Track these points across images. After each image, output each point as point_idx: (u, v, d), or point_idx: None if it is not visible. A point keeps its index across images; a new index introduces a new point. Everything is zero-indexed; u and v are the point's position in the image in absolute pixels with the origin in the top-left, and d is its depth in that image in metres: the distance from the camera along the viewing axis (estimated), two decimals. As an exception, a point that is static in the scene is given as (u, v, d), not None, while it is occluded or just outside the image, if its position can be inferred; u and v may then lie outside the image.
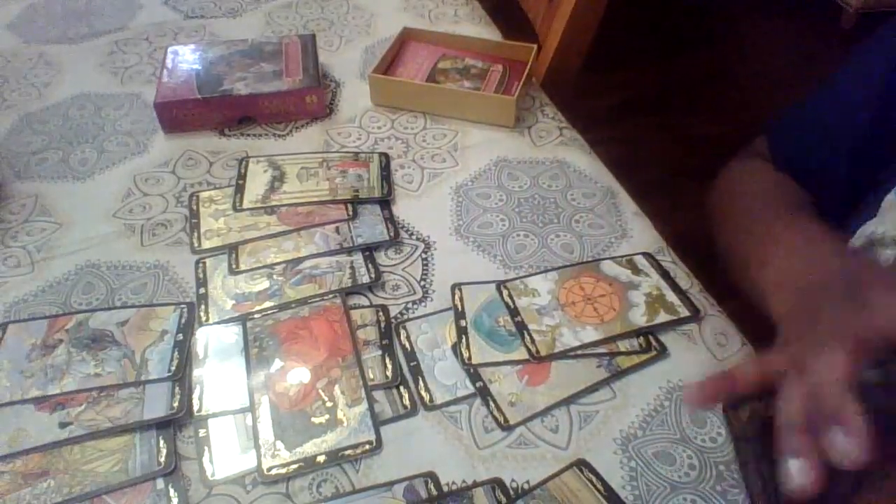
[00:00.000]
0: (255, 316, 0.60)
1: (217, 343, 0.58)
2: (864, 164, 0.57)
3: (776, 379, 0.41)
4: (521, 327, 0.59)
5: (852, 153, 0.59)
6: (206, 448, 0.51)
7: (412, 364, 0.57)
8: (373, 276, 0.63)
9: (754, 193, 0.66)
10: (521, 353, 0.57)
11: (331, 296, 0.61)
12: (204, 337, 0.59)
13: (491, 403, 0.54)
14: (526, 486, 0.49)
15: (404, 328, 0.60)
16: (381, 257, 0.66)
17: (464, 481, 0.50)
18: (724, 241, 0.66)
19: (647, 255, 0.65)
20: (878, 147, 0.55)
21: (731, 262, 0.64)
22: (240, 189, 0.72)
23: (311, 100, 0.81)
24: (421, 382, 0.56)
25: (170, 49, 0.86)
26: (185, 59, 0.85)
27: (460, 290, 0.62)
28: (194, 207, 0.71)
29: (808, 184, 0.65)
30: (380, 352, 0.57)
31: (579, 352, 0.57)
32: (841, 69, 0.62)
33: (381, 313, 0.60)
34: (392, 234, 0.67)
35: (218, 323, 0.60)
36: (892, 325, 0.39)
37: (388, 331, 0.59)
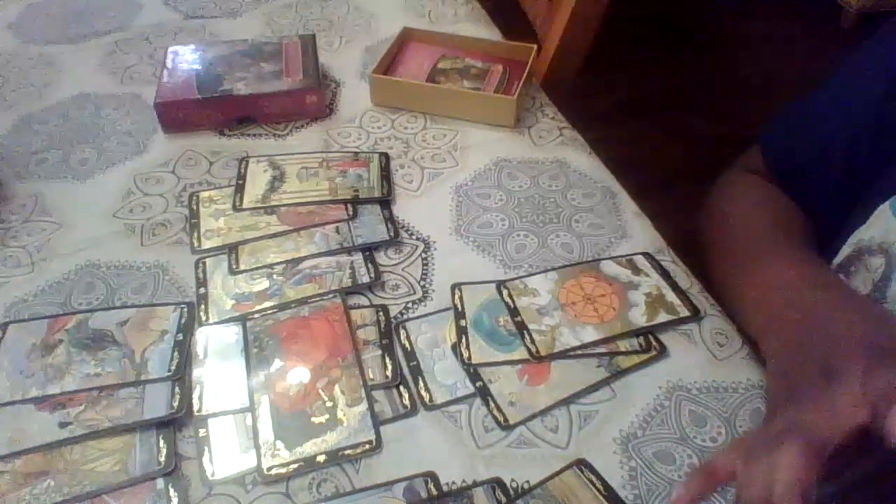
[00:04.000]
0: (255, 316, 0.60)
1: (217, 343, 0.58)
2: (860, 172, 0.57)
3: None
4: (521, 327, 0.59)
5: (848, 160, 0.58)
6: (206, 448, 0.51)
7: (412, 364, 0.57)
8: (373, 275, 0.63)
9: (748, 221, 0.64)
10: (521, 353, 0.57)
11: (331, 296, 0.61)
12: (204, 337, 0.59)
13: (491, 403, 0.54)
14: (526, 486, 0.49)
15: (404, 328, 0.60)
16: (381, 257, 0.66)
17: (464, 481, 0.50)
18: (718, 270, 0.65)
19: (647, 255, 0.65)
20: (875, 154, 0.55)
21: (723, 291, 0.63)
22: (240, 189, 0.72)
23: (311, 100, 0.81)
24: (421, 382, 0.56)
25: (170, 49, 0.86)
26: (185, 59, 0.85)
27: (460, 289, 0.62)
28: (194, 207, 0.71)
29: (801, 192, 0.64)
30: (380, 352, 0.57)
31: (579, 351, 0.57)
32: (835, 73, 0.62)
33: (381, 313, 0.60)
34: (392, 233, 0.67)
35: (218, 323, 0.60)
36: (848, 422, 0.37)
37: (388, 331, 0.59)
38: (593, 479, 0.49)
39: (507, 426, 0.53)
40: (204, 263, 0.65)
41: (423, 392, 0.55)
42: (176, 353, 0.57)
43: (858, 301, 0.49)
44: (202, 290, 0.63)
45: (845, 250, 0.54)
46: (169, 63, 0.84)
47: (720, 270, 0.64)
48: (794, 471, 0.36)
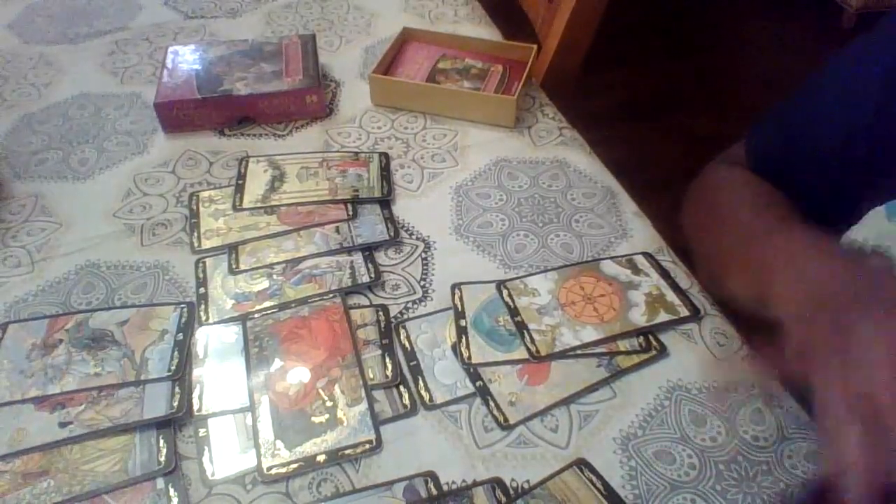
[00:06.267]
0: (255, 316, 0.60)
1: (217, 343, 0.58)
2: (853, 170, 0.56)
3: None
4: (521, 327, 0.59)
5: (841, 159, 0.57)
6: (206, 447, 0.51)
7: (412, 363, 0.57)
8: (373, 275, 0.63)
9: (740, 198, 0.63)
10: (521, 353, 0.57)
11: (331, 295, 0.61)
12: (204, 336, 0.59)
13: (491, 403, 0.54)
14: (526, 486, 0.49)
15: (404, 328, 0.60)
16: (381, 257, 0.66)
17: (464, 481, 0.50)
18: (707, 247, 0.63)
19: (647, 255, 0.65)
20: (869, 153, 0.55)
21: (714, 269, 0.60)
22: (240, 189, 0.72)
23: (311, 100, 0.81)
24: (421, 382, 0.56)
25: (170, 49, 0.86)
26: (185, 59, 0.85)
27: (460, 289, 0.62)
28: (194, 207, 0.71)
29: (787, 190, 0.63)
30: (380, 351, 0.57)
31: (579, 351, 0.57)
32: (823, 73, 0.61)
33: (380, 313, 0.60)
34: (392, 233, 0.67)
35: (218, 322, 0.60)
36: None
37: (388, 330, 0.59)
38: (593, 478, 0.49)
39: (507, 426, 0.53)
40: (204, 263, 0.65)
41: (423, 392, 0.55)
42: (176, 353, 0.57)
43: (855, 258, 0.50)
44: (202, 290, 0.63)
45: None
46: (169, 63, 0.84)
47: (708, 239, 0.62)
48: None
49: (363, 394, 0.54)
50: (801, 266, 0.51)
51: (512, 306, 0.60)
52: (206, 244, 0.67)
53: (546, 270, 0.64)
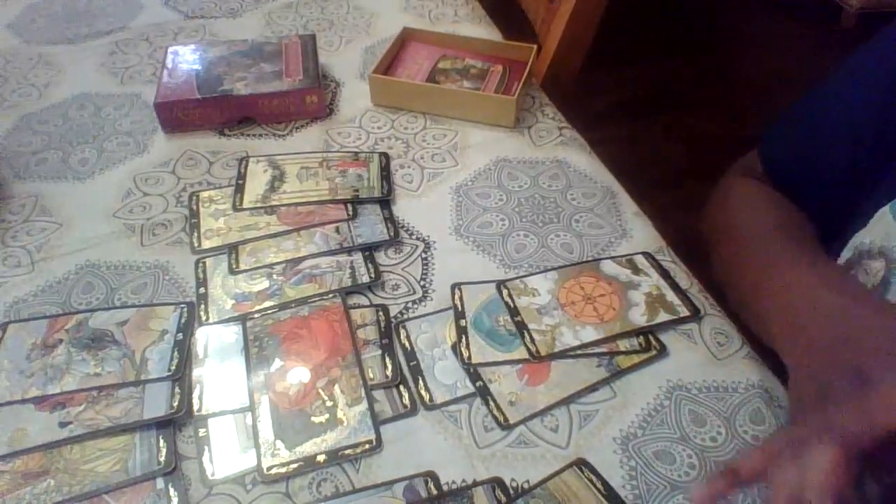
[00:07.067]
0: (255, 315, 0.60)
1: (217, 343, 0.58)
2: (861, 173, 0.56)
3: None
4: (521, 327, 0.59)
5: (850, 162, 0.57)
6: (205, 447, 0.51)
7: (412, 363, 0.57)
8: (373, 275, 0.63)
9: (753, 223, 0.63)
10: (521, 353, 0.57)
11: (331, 295, 0.61)
12: (204, 336, 0.59)
13: (491, 403, 0.54)
14: (526, 486, 0.49)
15: (404, 328, 0.60)
16: (381, 257, 0.66)
17: (464, 481, 0.50)
18: (726, 274, 0.63)
19: (647, 254, 0.65)
20: (876, 156, 0.55)
21: (731, 295, 0.61)
22: (240, 189, 0.72)
23: (311, 100, 0.82)
24: (421, 382, 0.56)
25: (170, 49, 0.86)
26: (185, 59, 0.85)
27: (460, 289, 0.62)
28: (194, 207, 0.71)
29: (801, 196, 0.63)
30: (380, 351, 0.57)
31: (579, 351, 0.57)
32: (833, 77, 0.61)
33: (380, 313, 0.60)
34: (392, 233, 0.67)
35: (218, 322, 0.60)
36: (883, 424, 0.36)
37: (388, 330, 0.59)
38: (593, 478, 0.49)
39: (507, 426, 0.53)
40: (204, 263, 0.65)
41: (423, 392, 0.55)
42: (176, 353, 0.57)
43: (882, 304, 0.48)
44: (202, 290, 0.63)
45: (845, 254, 0.54)
46: (169, 63, 0.84)
47: (729, 274, 0.63)
48: (827, 474, 0.35)
49: (363, 394, 0.54)
50: (799, 309, 0.49)
51: (512, 306, 0.60)
52: (206, 244, 0.67)
53: (546, 270, 0.64)
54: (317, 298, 0.61)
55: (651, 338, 0.58)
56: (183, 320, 0.60)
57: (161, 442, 0.51)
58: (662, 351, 0.57)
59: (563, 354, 0.57)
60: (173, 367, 0.55)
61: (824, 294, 0.49)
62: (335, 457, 0.51)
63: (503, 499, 0.48)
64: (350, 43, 0.97)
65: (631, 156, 1.40)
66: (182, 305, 0.61)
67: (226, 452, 0.51)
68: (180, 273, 0.65)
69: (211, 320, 0.60)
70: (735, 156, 0.73)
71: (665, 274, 0.63)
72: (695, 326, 0.59)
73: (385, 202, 0.71)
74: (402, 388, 0.55)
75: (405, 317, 0.61)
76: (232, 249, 0.66)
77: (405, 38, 0.91)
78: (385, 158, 0.76)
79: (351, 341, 0.58)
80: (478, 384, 0.55)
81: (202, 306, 0.61)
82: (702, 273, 0.65)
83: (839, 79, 0.60)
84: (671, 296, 0.61)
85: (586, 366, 0.56)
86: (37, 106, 0.85)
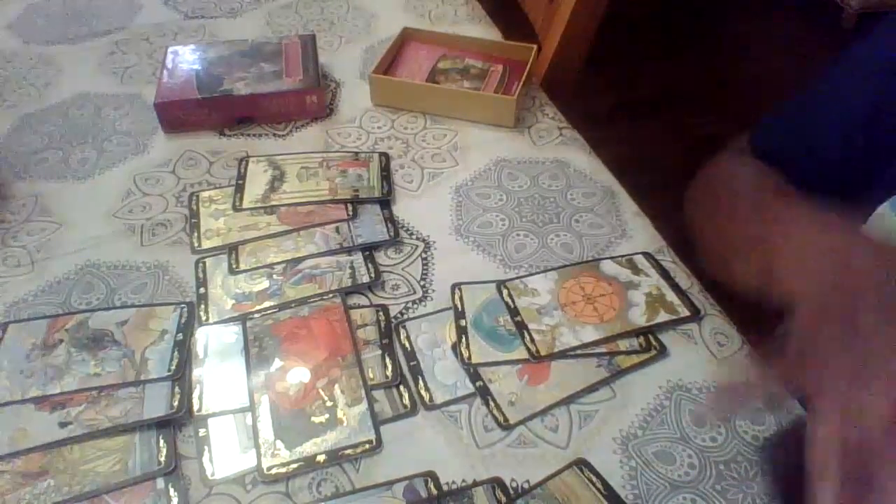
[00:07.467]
0: (255, 316, 0.60)
1: (217, 343, 0.58)
2: (854, 168, 0.56)
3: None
4: (521, 327, 0.59)
5: (843, 156, 0.57)
6: (205, 447, 0.51)
7: (412, 364, 0.57)
8: (373, 275, 0.63)
9: (749, 179, 0.60)
10: (521, 353, 0.57)
11: (331, 295, 0.61)
12: (204, 337, 0.59)
13: (491, 403, 0.54)
14: (526, 486, 0.49)
15: (404, 328, 0.60)
16: (381, 257, 0.66)
17: (464, 481, 0.50)
18: (712, 231, 0.61)
19: (647, 254, 0.65)
20: (870, 150, 0.54)
21: (720, 255, 0.58)
22: (240, 189, 0.72)
23: (311, 100, 0.81)
24: (421, 382, 0.56)
25: (170, 49, 0.86)
26: (185, 59, 0.85)
27: (460, 289, 0.62)
28: (194, 207, 0.71)
29: (793, 185, 0.62)
30: (380, 351, 0.57)
31: (579, 351, 0.57)
32: (827, 72, 0.61)
33: (380, 313, 0.60)
34: (392, 233, 0.67)
35: (218, 322, 0.60)
36: None
37: (388, 330, 0.59)
38: (593, 478, 0.49)
39: (507, 426, 0.53)
40: (204, 263, 0.65)
41: (423, 392, 0.55)
42: (176, 353, 0.57)
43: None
44: (202, 290, 0.63)
45: None
46: (169, 63, 0.84)
47: (713, 222, 0.59)
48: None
49: (363, 394, 0.54)
50: (810, 237, 0.44)
51: (512, 306, 0.60)
52: (206, 244, 0.67)
53: (546, 270, 0.64)
54: (317, 298, 0.61)
55: (651, 338, 0.58)
56: (183, 320, 0.60)
57: (161, 442, 0.51)
58: (662, 351, 0.57)
59: (563, 354, 0.57)
60: (173, 367, 0.55)
61: (813, 228, 0.46)
62: (335, 457, 0.51)
63: (503, 499, 0.48)
64: (350, 43, 0.97)
65: (631, 156, 1.40)
66: (182, 305, 0.61)
67: (226, 452, 0.51)
68: (180, 273, 0.65)
69: (211, 320, 0.60)
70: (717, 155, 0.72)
71: (665, 274, 0.63)
72: (695, 326, 0.59)
73: (385, 202, 0.71)
74: (402, 388, 0.55)
75: (405, 317, 0.61)
76: (232, 249, 0.66)
77: (405, 38, 0.91)
78: (385, 158, 0.76)
79: (351, 341, 0.58)
80: (478, 384, 0.55)
81: (202, 306, 0.61)
82: (702, 273, 0.65)
83: (834, 73, 0.60)
84: (671, 296, 0.61)
85: (586, 366, 0.56)
86: (37, 106, 0.85)
